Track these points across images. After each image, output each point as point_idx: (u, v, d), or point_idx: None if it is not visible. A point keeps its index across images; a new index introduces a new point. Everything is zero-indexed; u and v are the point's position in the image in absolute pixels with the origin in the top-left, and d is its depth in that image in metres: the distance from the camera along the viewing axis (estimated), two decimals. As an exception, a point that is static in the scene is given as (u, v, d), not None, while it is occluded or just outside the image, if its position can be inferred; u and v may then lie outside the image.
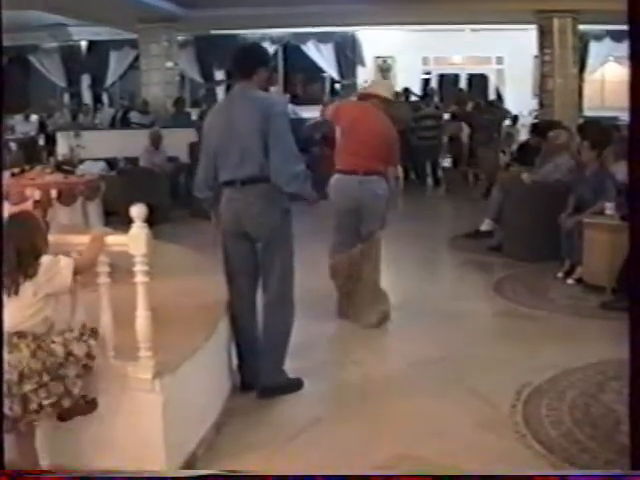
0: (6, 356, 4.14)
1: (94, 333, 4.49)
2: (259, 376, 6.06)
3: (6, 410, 4.11)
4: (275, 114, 5.83)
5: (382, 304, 8.01)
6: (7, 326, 4.18)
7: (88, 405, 4.45)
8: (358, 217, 7.96)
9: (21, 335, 4.25)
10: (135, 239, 4.54)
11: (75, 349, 4.36)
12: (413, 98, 20.86)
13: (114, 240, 4.66)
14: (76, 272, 4.40)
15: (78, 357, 4.35)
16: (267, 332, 6.11)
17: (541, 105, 19.96)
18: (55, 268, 4.34)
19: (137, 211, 4.52)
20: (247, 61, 6.06)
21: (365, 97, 8.34)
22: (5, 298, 4.22)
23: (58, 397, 4.25)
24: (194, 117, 20.44)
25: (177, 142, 15.79)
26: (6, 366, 4.13)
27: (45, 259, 4.33)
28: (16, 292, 4.25)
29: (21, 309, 4.28)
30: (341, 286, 8.16)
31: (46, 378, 4.22)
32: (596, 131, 10.78)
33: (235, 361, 6.24)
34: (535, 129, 15.33)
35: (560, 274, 9.45)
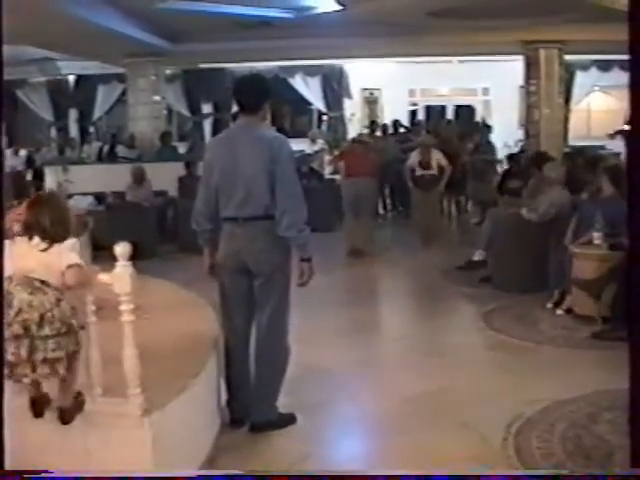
0: (25, 296, 4.34)
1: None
2: (250, 411, 6.02)
3: (8, 356, 4.23)
4: (284, 156, 5.83)
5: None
6: (30, 268, 4.43)
7: (82, 402, 4.67)
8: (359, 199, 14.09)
9: (45, 283, 4.41)
10: (119, 278, 4.52)
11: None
12: (401, 130, 20.94)
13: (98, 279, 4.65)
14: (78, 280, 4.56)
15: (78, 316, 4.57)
16: (259, 368, 6.03)
17: (527, 135, 20.04)
18: (75, 250, 4.59)
19: (121, 250, 4.49)
20: (254, 95, 6.00)
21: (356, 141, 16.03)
22: (41, 253, 4.48)
23: (65, 354, 4.41)
24: (181, 151, 20.49)
25: (164, 176, 15.78)
26: (24, 306, 4.32)
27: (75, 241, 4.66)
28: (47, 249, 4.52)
29: (49, 264, 4.47)
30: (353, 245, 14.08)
31: (64, 329, 4.38)
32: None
33: (224, 397, 6.21)
34: (512, 158, 15.73)
35: (549, 305, 9.44)
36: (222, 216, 5.92)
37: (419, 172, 14.75)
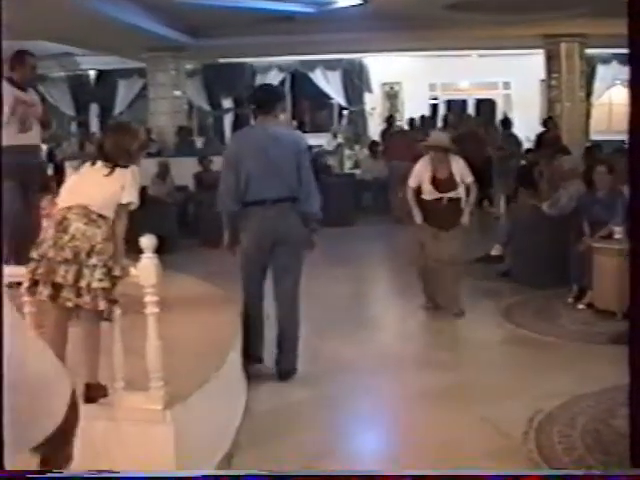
0: (80, 225, 4.62)
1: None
2: (281, 362, 7.10)
3: (57, 278, 4.53)
4: (304, 149, 7.23)
5: None
6: (92, 202, 4.72)
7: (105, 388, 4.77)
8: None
9: (102, 217, 4.71)
10: (145, 270, 4.55)
11: None
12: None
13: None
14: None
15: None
16: (285, 325, 7.15)
17: (548, 130, 19.95)
18: (138, 181, 5.00)
19: (147, 242, 4.55)
20: (270, 100, 7.17)
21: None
22: (101, 176, 4.84)
23: (109, 284, 4.60)
24: (199, 146, 20.50)
25: (184, 171, 15.82)
26: (78, 234, 4.59)
27: (136, 169, 4.99)
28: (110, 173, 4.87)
29: (113, 195, 4.82)
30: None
31: (110, 262, 4.61)
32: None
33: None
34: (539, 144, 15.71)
35: (570, 299, 9.43)
36: (250, 199, 6.90)
37: (430, 195, 9.22)
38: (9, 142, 7.02)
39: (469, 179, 9.20)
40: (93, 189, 4.79)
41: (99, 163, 4.88)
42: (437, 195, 9.13)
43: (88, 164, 4.95)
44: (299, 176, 6.95)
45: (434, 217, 9.15)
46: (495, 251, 11.69)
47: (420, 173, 9.21)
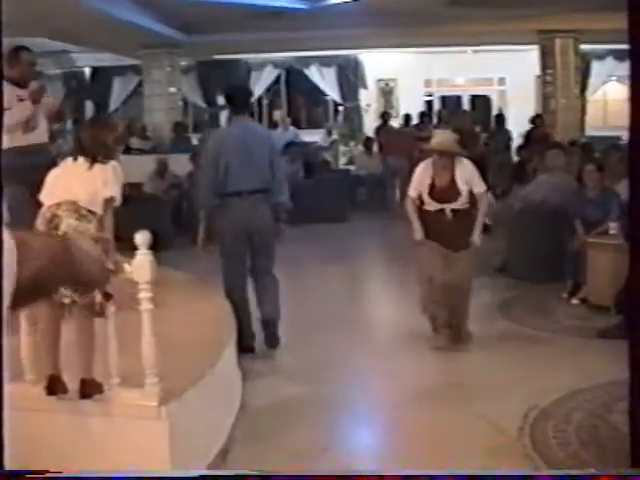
0: (72, 221, 4.69)
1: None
2: (268, 332, 7.77)
3: None
4: (276, 145, 8.13)
5: None
6: (78, 196, 4.79)
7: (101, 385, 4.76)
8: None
9: (91, 212, 4.81)
10: (139, 267, 4.53)
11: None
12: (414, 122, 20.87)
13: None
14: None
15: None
16: (267, 297, 7.77)
17: (537, 127, 19.95)
18: (119, 177, 5.10)
19: (141, 238, 4.53)
20: (243, 100, 8.10)
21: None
22: (83, 171, 4.96)
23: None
24: (195, 142, 20.48)
25: (180, 167, 15.81)
26: (70, 230, 4.63)
27: (117, 165, 5.10)
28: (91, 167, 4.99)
29: (96, 192, 4.90)
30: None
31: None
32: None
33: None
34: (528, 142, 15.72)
35: (564, 295, 9.43)
36: (229, 191, 7.50)
37: (432, 206, 7.83)
38: (15, 143, 6.89)
39: (479, 188, 7.80)
40: (77, 185, 4.87)
41: (80, 159, 4.97)
42: (440, 205, 7.73)
43: (70, 160, 5.05)
44: (272, 169, 7.63)
45: (438, 232, 7.71)
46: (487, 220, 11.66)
47: (421, 180, 7.80)
